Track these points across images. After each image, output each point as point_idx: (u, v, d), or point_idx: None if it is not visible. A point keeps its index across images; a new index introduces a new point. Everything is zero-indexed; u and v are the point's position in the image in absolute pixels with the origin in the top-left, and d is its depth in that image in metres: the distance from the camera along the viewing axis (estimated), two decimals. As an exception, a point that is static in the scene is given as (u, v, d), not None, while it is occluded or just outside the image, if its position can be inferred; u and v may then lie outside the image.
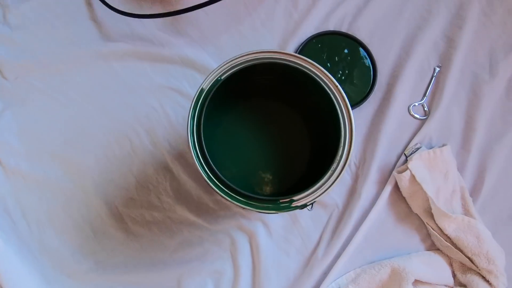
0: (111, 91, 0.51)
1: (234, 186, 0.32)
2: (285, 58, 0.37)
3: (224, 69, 0.36)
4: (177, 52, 0.52)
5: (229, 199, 0.32)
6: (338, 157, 0.34)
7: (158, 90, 0.52)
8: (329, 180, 0.33)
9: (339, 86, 0.36)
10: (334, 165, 0.34)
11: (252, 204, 0.32)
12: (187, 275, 0.47)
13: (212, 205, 0.48)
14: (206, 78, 0.36)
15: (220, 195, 0.32)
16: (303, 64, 0.38)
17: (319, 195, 0.33)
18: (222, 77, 0.36)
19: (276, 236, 0.49)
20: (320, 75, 0.37)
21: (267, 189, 0.41)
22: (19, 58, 0.51)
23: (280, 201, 0.33)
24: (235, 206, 0.47)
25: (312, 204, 0.33)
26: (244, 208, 0.32)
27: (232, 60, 0.37)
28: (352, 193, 0.51)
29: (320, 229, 0.50)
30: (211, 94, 0.35)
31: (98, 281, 0.46)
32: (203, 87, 0.36)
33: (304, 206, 0.33)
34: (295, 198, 0.33)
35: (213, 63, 0.53)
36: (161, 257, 0.48)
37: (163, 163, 0.50)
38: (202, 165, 0.33)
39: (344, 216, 0.50)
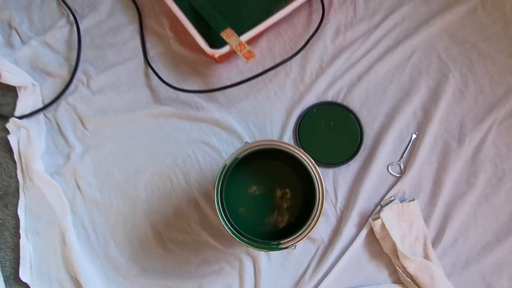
0: (158, 141, 0.69)
1: (241, 231, 0.48)
2: (281, 145, 0.52)
3: (241, 151, 0.52)
4: (209, 115, 0.69)
5: (238, 240, 0.48)
6: (312, 217, 0.49)
7: (193, 142, 0.68)
8: (304, 232, 0.48)
9: (316, 167, 0.51)
10: (310, 221, 0.49)
11: (252, 244, 0.48)
12: (206, 285, 0.62)
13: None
14: (229, 157, 0.52)
15: (233, 237, 0.48)
16: (293, 149, 0.52)
17: (299, 241, 0.48)
18: (240, 156, 0.52)
19: (275, 262, 0.63)
20: (304, 157, 0.52)
21: (273, 224, 0.56)
22: (97, 114, 0.69)
23: (272, 243, 0.48)
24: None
25: (295, 245, 0.48)
26: (246, 246, 0.48)
27: (246, 146, 0.52)
28: (336, 232, 0.64)
29: (309, 258, 0.63)
30: (232, 167, 0.51)
31: (143, 283, 0.62)
32: (226, 163, 0.52)
33: (288, 247, 0.48)
34: (282, 241, 0.48)
35: (235, 123, 0.68)
36: (188, 269, 0.64)
37: (194, 199, 0.66)
38: (223, 217, 0.50)
39: (328, 250, 0.63)
